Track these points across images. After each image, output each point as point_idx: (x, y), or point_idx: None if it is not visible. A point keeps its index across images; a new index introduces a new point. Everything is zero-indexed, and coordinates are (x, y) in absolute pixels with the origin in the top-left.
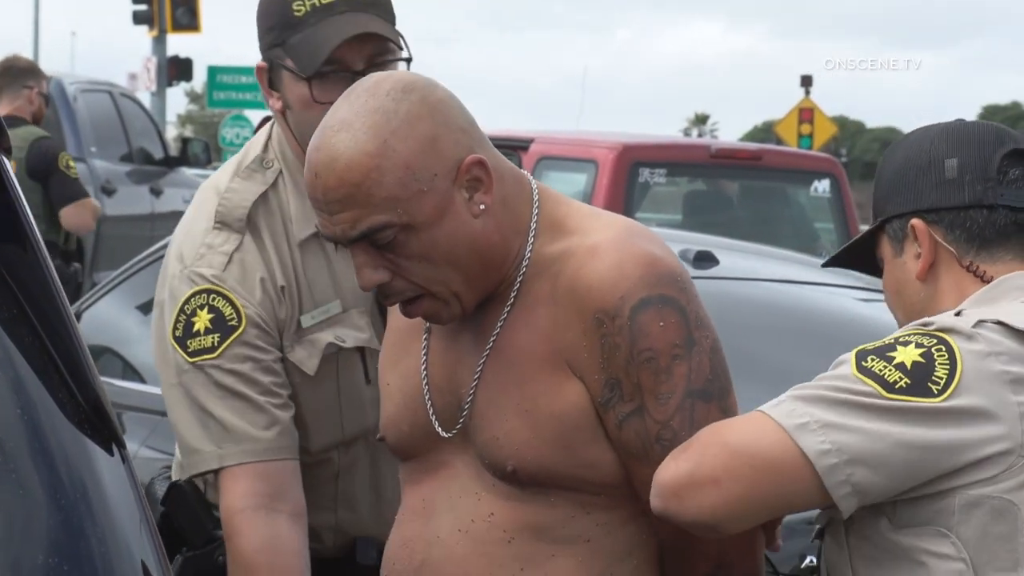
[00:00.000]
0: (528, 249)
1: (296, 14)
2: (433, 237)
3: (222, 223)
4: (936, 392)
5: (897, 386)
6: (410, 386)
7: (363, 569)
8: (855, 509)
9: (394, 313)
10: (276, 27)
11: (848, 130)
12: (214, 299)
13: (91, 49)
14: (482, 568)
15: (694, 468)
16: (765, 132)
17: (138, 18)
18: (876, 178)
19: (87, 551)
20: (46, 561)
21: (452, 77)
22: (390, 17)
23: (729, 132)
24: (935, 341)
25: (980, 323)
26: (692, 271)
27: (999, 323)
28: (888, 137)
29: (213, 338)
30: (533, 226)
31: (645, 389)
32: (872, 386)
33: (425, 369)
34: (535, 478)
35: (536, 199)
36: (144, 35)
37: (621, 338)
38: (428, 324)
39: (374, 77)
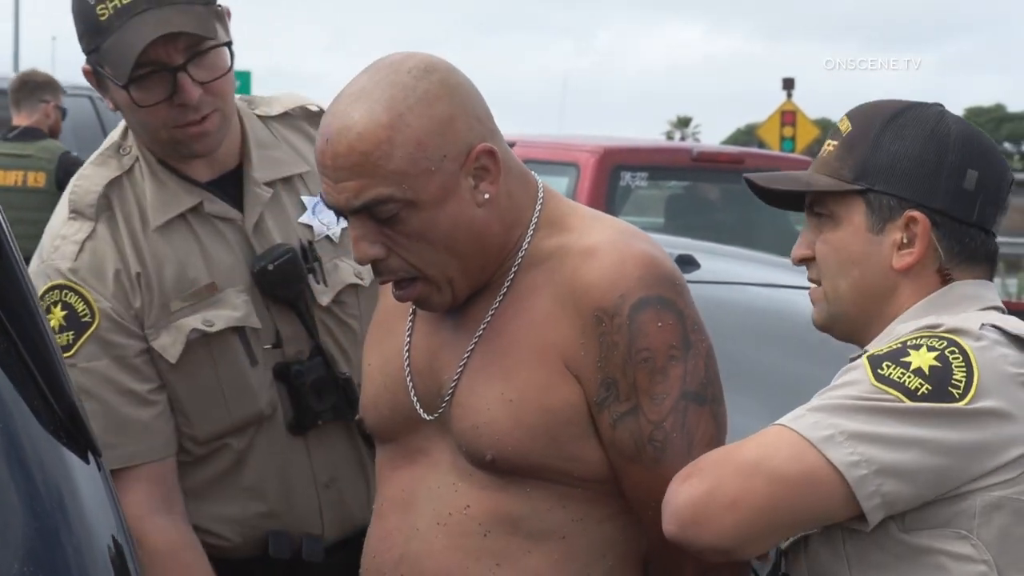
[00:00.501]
0: (526, 241)
1: (101, 18)
2: (434, 217)
3: (75, 212)
4: (958, 396)
5: (919, 392)
6: (392, 368)
7: (276, 565)
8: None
9: (383, 294)
10: (87, 33)
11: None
12: (66, 295)
13: (72, 54)
14: (458, 562)
15: (712, 489)
16: (747, 135)
17: None
18: (871, 141)
19: (63, 560)
20: (21, 569)
21: None
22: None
23: (711, 135)
24: (946, 344)
25: (983, 326)
26: None
27: (995, 327)
28: None
29: (68, 336)
30: (534, 220)
31: (640, 389)
32: (894, 394)
33: (408, 351)
34: (515, 468)
35: (541, 196)
36: None
37: (619, 337)
38: (413, 307)
39: (398, 55)
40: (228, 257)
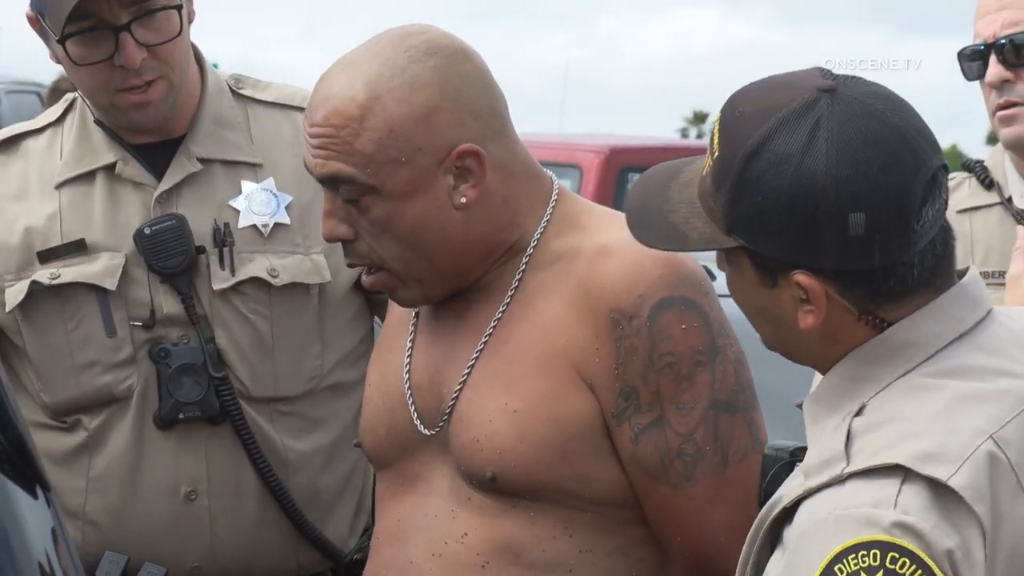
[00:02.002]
0: (535, 240)
1: None
2: (399, 210)
3: None
4: None
5: None
6: (390, 384)
7: None
8: None
9: (389, 310)
10: None
11: None
12: None
13: (18, 46)
14: None
15: None
16: None
17: None
18: (732, 186)
19: None
20: None
21: None
22: None
23: None
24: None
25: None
26: None
27: (925, 479)
28: None
29: None
30: (545, 219)
31: (665, 398)
32: None
33: (408, 366)
34: (517, 487)
35: (554, 198)
36: None
37: (639, 340)
38: (415, 316)
39: (410, 28)
40: (122, 221)
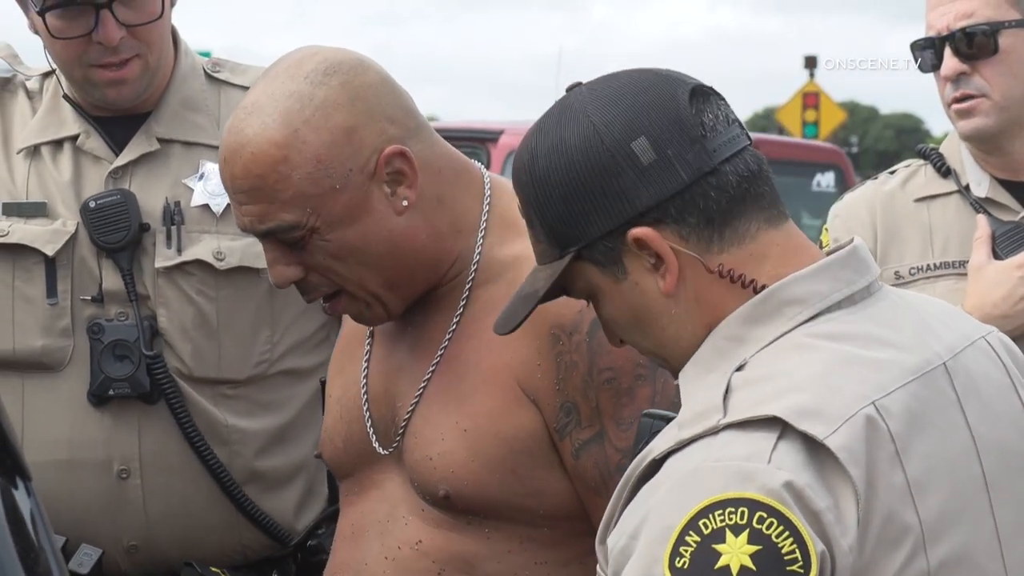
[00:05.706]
0: (477, 250)
1: None
2: (345, 237)
3: None
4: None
5: None
6: (348, 397)
7: None
8: None
9: (346, 318)
10: None
11: (859, 116)
12: None
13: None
14: None
15: None
16: (766, 119)
17: None
18: (537, 208)
19: None
20: None
21: (413, 60)
22: None
23: None
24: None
25: (789, 485)
26: None
27: (802, 435)
28: (904, 124)
29: None
30: (483, 224)
31: (605, 414)
32: None
33: (365, 379)
34: (470, 506)
35: (488, 194)
36: None
37: (579, 356)
38: (371, 329)
39: (299, 54)
40: (79, 192)
